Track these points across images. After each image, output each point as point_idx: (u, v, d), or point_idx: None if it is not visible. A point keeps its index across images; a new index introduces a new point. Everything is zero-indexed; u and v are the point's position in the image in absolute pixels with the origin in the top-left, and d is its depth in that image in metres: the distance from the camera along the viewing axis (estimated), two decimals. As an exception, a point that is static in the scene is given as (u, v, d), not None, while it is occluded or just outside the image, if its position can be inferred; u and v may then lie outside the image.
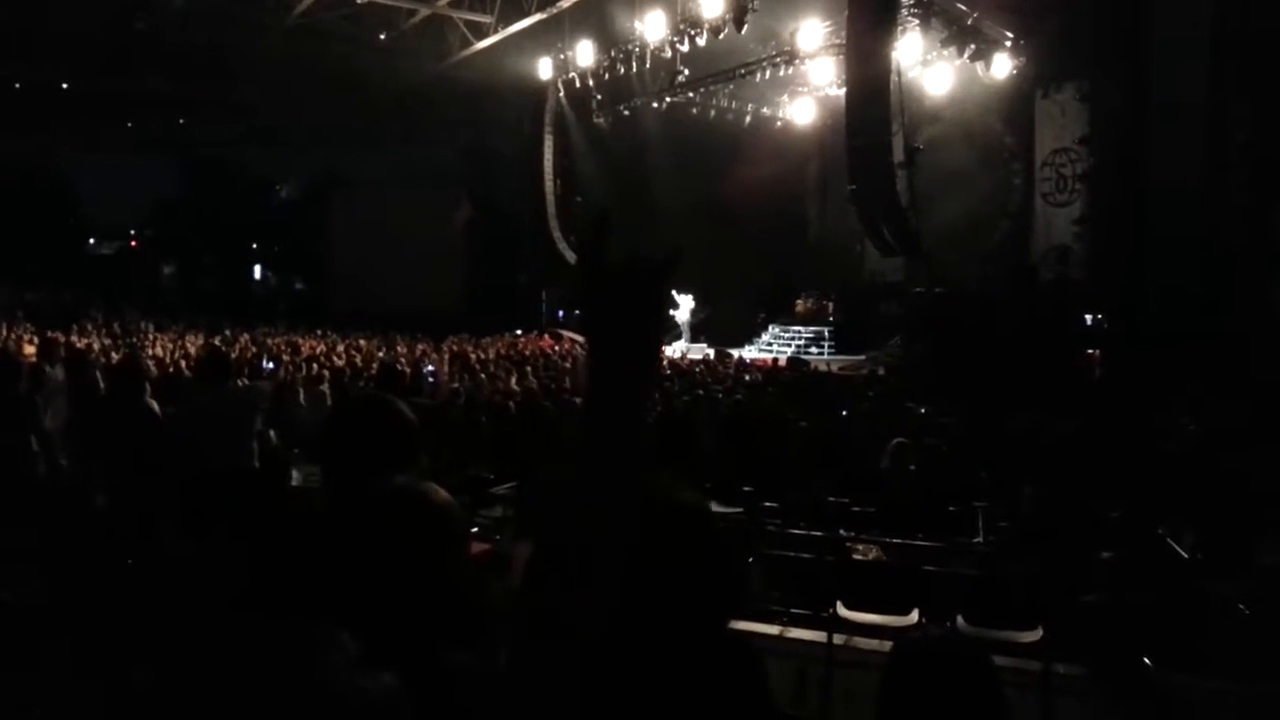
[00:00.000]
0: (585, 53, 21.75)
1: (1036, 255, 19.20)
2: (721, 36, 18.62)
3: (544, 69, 23.29)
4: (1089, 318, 16.69)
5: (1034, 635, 4.38)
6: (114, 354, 12.56)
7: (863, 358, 19.84)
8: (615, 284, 1.18)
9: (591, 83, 22.65)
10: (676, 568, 1.73)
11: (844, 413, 10.78)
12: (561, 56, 22.72)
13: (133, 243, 34.12)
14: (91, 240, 33.55)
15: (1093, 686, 4.17)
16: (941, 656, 1.69)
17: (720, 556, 1.83)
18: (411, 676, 1.32)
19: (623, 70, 21.42)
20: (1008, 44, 18.68)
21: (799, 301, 23.61)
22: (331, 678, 1.25)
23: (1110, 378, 14.62)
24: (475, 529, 6.39)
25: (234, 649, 1.32)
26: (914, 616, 4.68)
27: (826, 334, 22.29)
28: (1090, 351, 15.82)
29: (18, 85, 25.03)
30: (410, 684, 1.31)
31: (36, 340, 12.78)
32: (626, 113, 23.94)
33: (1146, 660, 3.84)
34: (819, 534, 5.37)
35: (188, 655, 1.41)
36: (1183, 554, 5.39)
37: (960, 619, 4.55)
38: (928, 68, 19.59)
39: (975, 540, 6.01)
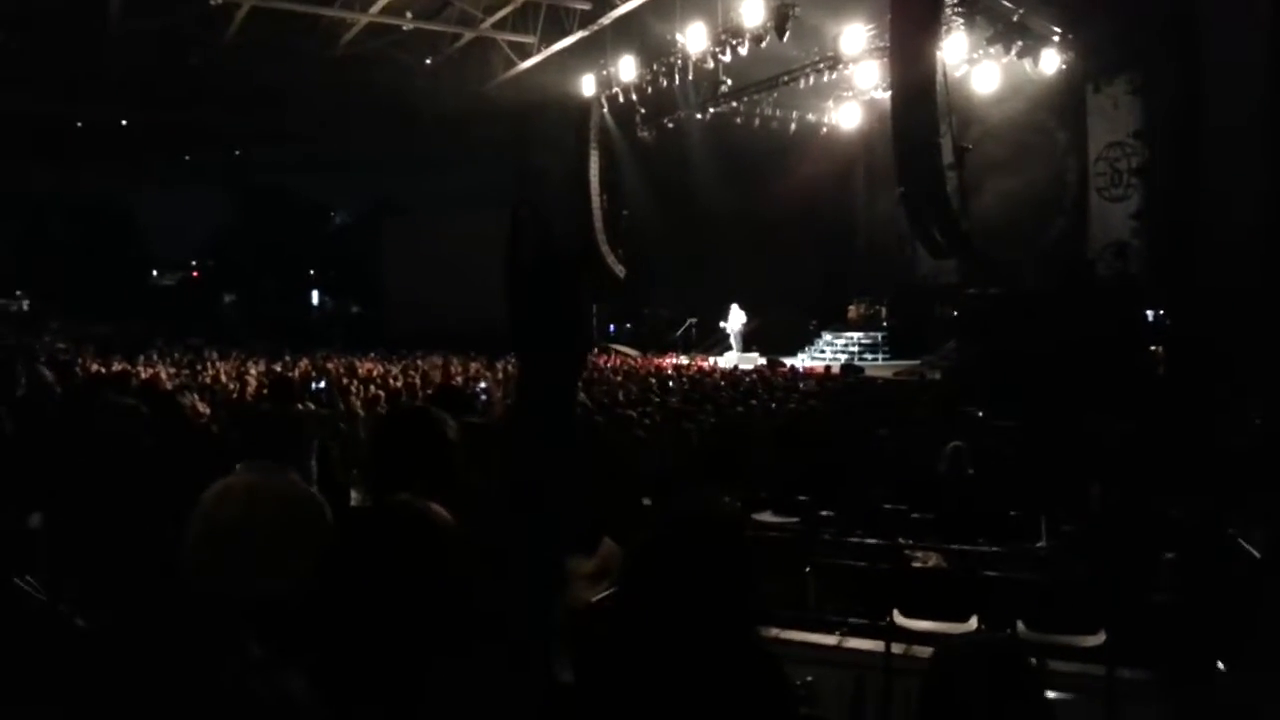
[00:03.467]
0: (627, 67, 21.86)
1: (1094, 252, 18.83)
2: (764, 45, 18.59)
3: (587, 85, 23.46)
4: (1150, 314, 16.31)
5: (1096, 639, 4.28)
6: (177, 380, 12.88)
7: (918, 362, 19.59)
8: (532, 280, 1.25)
9: (635, 97, 22.72)
10: (701, 576, 1.77)
11: (898, 418, 10.65)
12: (604, 72, 22.86)
13: (194, 273, 34.98)
14: (155, 272, 34.44)
15: (1159, 691, 4.06)
16: (982, 659, 1.69)
17: (744, 566, 1.85)
18: (399, 684, 1.35)
19: (665, 83, 21.47)
20: (1055, 39, 18.39)
21: (851, 307, 23.42)
22: (225, 681, 1.28)
23: (1174, 374, 14.27)
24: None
25: (138, 653, 1.36)
26: (973, 623, 4.60)
27: (880, 339, 22.07)
28: (1153, 348, 15.45)
29: (79, 124, 25.84)
30: (388, 692, 1.34)
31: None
32: (671, 125, 23.95)
33: (1214, 661, 3.74)
34: (875, 542, 5.30)
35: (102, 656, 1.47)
36: (1254, 553, 5.24)
37: (1020, 624, 4.47)
38: (975, 66, 19.34)
39: (1038, 544, 5.90)
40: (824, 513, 6.67)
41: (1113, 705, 3.88)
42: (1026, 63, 18.68)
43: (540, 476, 1.24)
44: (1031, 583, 4.69)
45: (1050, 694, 4.50)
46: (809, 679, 3.68)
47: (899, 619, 4.75)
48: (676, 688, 1.71)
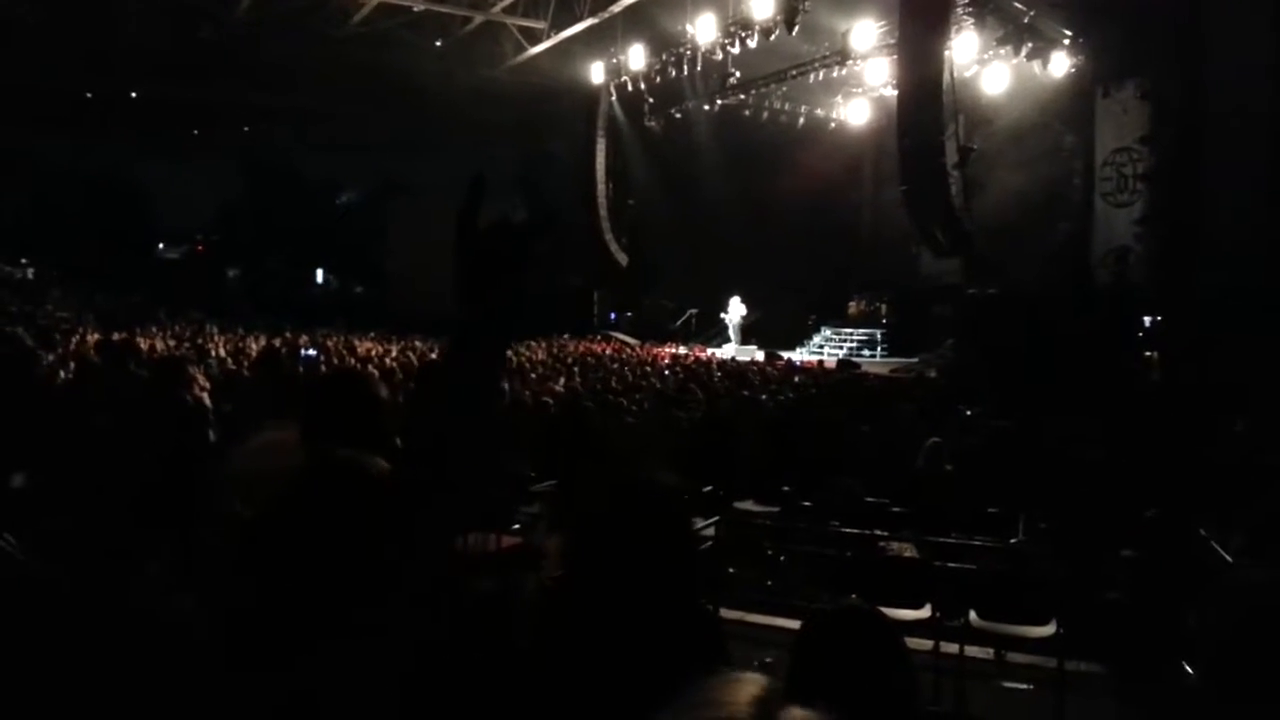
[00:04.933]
0: (637, 56, 21.90)
1: (1096, 256, 18.81)
2: (773, 38, 18.60)
3: (596, 73, 23.50)
4: (1148, 319, 16.32)
5: (1046, 630, 4.34)
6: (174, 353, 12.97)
7: (916, 360, 19.62)
8: (484, 241, 1.31)
9: (643, 86, 22.76)
10: (644, 542, 1.83)
11: (884, 414, 10.70)
12: (614, 60, 22.90)
13: (199, 247, 35.03)
14: (160, 245, 34.51)
15: (1109, 684, 4.12)
16: (842, 623, 1.79)
17: (683, 534, 1.91)
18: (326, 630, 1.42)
19: (674, 73, 21.51)
20: (1066, 42, 18.38)
21: (851, 304, 23.45)
22: (129, 599, 1.34)
23: (1168, 380, 14.29)
24: (516, 525, 6.53)
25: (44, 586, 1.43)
26: (926, 610, 4.67)
27: (879, 336, 22.10)
28: (1148, 354, 15.47)
29: (89, 95, 25.90)
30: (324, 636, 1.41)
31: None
32: (678, 115, 23.98)
33: (1173, 661, 3.79)
34: (849, 532, 5.38)
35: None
36: (1225, 556, 5.29)
37: (973, 613, 4.53)
38: (985, 67, 19.34)
39: (1011, 540, 5.96)
40: (804, 503, 6.75)
41: (1062, 696, 3.94)
42: (1036, 65, 18.67)
43: (442, 442, 1.29)
44: (987, 573, 4.75)
45: (1007, 684, 4.59)
46: (768, 659, 3.76)
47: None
48: (615, 655, 1.77)
